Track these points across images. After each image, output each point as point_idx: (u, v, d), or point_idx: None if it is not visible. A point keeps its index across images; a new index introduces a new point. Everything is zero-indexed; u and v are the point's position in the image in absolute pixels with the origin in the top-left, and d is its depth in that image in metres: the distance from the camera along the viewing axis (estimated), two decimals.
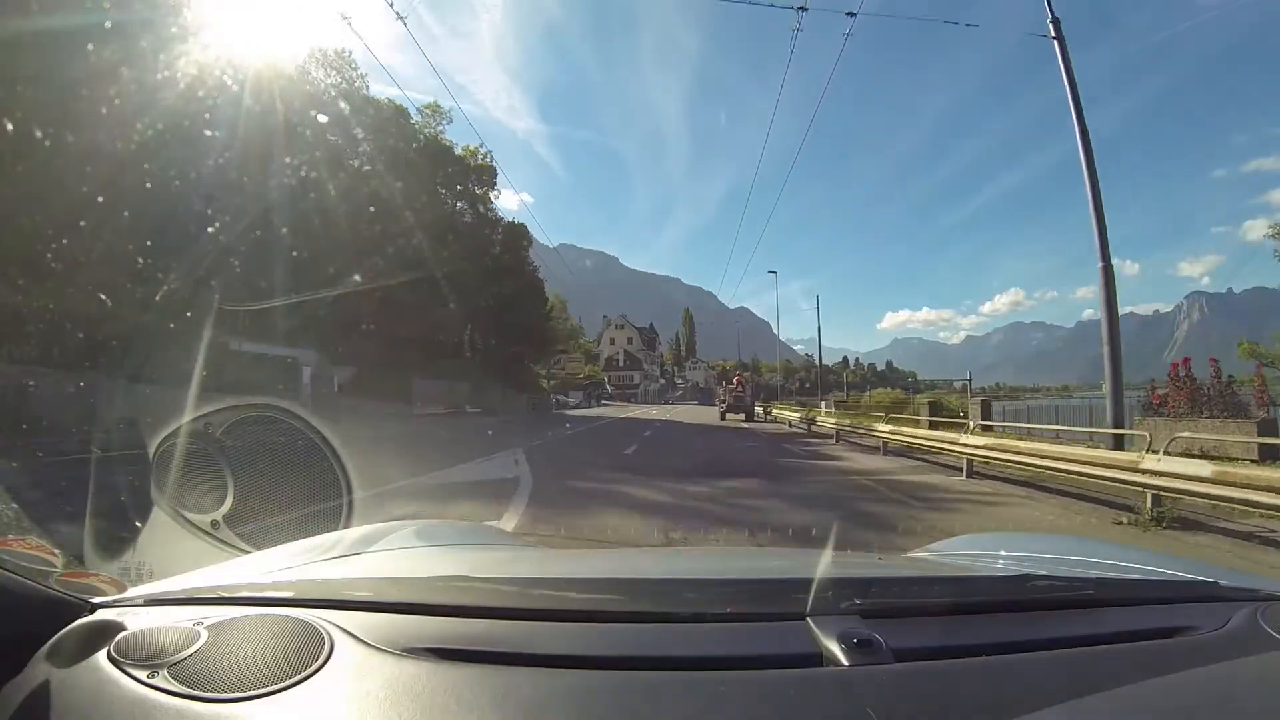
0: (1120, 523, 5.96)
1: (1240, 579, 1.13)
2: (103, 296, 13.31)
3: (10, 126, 11.57)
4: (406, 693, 0.68)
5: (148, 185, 13.99)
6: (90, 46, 12.38)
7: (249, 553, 1.39)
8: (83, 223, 12.84)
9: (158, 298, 14.19)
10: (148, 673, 0.71)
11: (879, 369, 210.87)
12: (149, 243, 14.46)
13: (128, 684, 0.71)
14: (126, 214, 13.64)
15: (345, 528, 1.61)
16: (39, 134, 11.88)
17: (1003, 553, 1.52)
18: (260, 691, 0.68)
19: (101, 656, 0.75)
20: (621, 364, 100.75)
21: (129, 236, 14.05)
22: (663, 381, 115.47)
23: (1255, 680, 0.75)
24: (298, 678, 0.70)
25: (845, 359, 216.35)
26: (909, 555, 1.56)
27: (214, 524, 1.54)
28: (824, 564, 1.01)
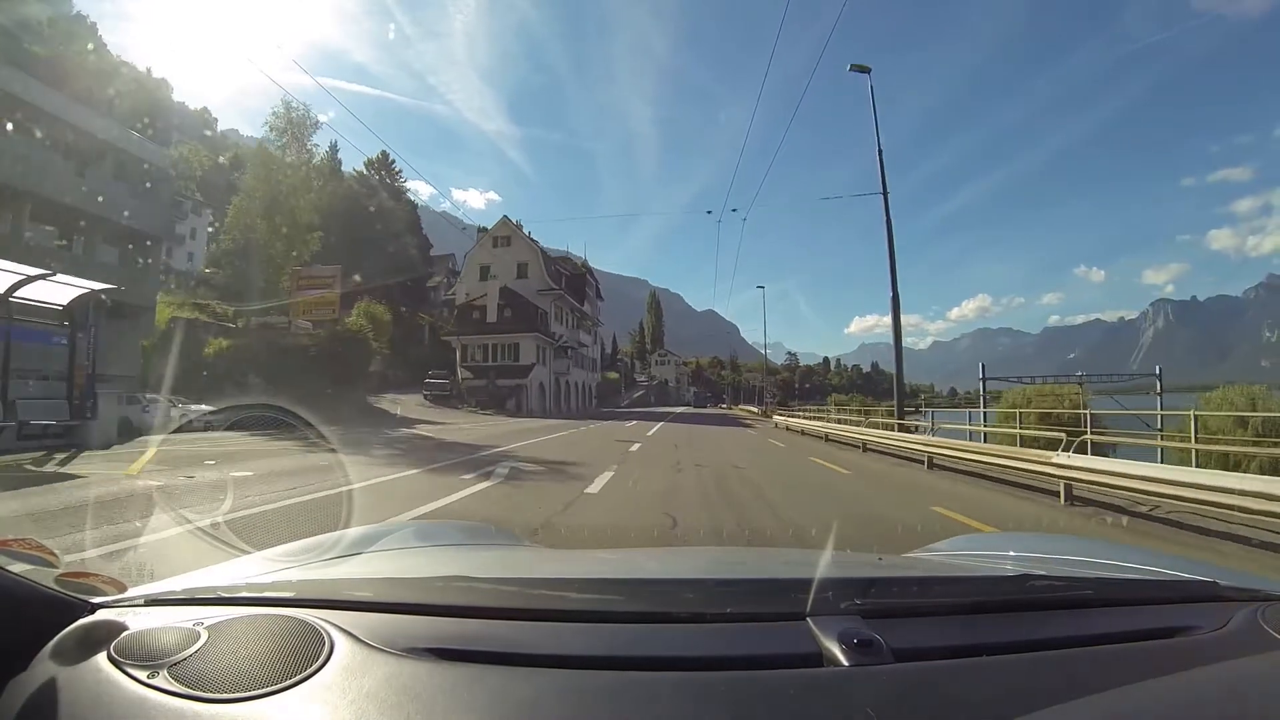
0: None
1: (1240, 579, 1.14)
2: None
3: None
4: (406, 693, 0.68)
5: None
6: None
7: (249, 553, 1.37)
8: None
9: None
10: (148, 673, 0.71)
11: (865, 371, 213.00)
12: None
13: (128, 684, 0.70)
14: None
15: (345, 527, 1.59)
16: None
17: (1003, 553, 1.53)
18: (260, 691, 0.68)
19: (101, 657, 0.75)
20: (498, 320, 41.82)
21: None
22: (615, 374, 72.74)
23: (1255, 680, 0.76)
24: (298, 678, 0.70)
25: (826, 360, 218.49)
26: (909, 555, 1.57)
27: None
28: (824, 564, 1.02)
